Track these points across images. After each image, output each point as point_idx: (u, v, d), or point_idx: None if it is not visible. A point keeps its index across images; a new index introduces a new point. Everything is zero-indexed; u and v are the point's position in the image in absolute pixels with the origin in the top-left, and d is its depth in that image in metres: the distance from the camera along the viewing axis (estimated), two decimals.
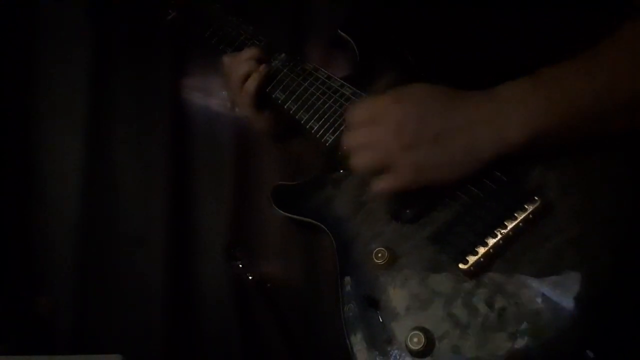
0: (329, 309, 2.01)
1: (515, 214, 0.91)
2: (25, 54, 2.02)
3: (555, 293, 0.86)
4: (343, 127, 1.12)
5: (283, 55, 1.26)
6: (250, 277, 1.81)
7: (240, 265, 1.82)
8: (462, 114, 0.93)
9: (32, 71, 2.03)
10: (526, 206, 0.90)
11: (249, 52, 1.27)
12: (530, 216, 0.90)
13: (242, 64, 1.26)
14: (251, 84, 1.24)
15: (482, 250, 0.91)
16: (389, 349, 0.97)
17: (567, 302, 0.85)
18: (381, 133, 0.95)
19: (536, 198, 0.90)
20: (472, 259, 0.92)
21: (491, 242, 0.91)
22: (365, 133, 0.98)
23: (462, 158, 0.92)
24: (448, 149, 0.92)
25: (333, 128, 1.13)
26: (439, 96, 0.96)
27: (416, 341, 0.92)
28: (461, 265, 0.92)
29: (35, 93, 2.02)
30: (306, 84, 1.20)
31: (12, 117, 1.99)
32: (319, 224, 1.13)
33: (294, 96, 1.20)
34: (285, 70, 1.24)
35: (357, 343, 1.00)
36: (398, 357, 0.95)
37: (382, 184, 0.96)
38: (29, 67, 2.02)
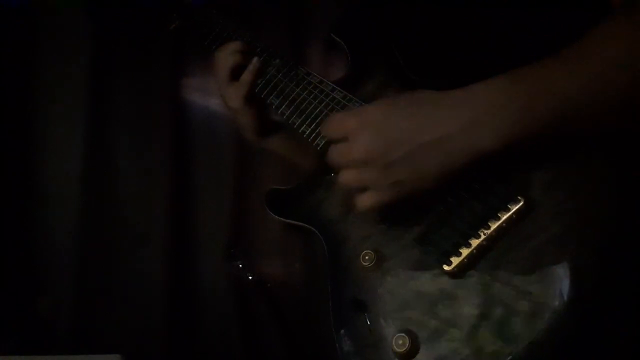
0: (327, 308, 2.01)
1: (499, 214, 0.90)
2: (26, 56, 2.03)
3: (538, 292, 0.86)
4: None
5: (278, 60, 1.27)
6: (250, 277, 1.80)
7: (240, 265, 1.81)
8: (430, 126, 0.91)
9: (33, 72, 2.04)
10: (509, 206, 0.89)
11: (238, 45, 1.28)
12: (514, 216, 0.89)
13: (231, 56, 1.27)
14: (247, 76, 1.26)
15: (465, 251, 0.91)
16: (376, 351, 0.97)
17: (551, 301, 0.85)
18: (355, 157, 0.95)
19: (519, 198, 0.89)
20: (455, 260, 0.91)
21: (474, 242, 0.91)
22: (341, 153, 0.97)
23: (437, 169, 0.91)
24: (421, 163, 0.91)
25: None
26: (403, 111, 0.95)
27: (401, 343, 0.92)
28: (445, 267, 0.92)
29: (36, 94, 2.03)
30: (299, 89, 1.20)
31: (12, 117, 2.00)
32: (311, 227, 1.13)
33: (287, 101, 1.21)
34: (279, 76, 1.25)
35: (346, 345, 1.00)
36: None
37: (364, 202, 0.96)
38: (30, 68, 2.03)
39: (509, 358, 0.86)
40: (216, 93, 2.04)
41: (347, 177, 0.97)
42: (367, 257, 1.00)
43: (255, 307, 1.92)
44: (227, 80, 1.27)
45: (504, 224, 0.90)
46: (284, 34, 1.98)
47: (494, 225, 0.90)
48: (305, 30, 1.99)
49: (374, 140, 0.93)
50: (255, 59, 1.26)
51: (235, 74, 1.27)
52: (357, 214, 1.04)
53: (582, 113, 0.86)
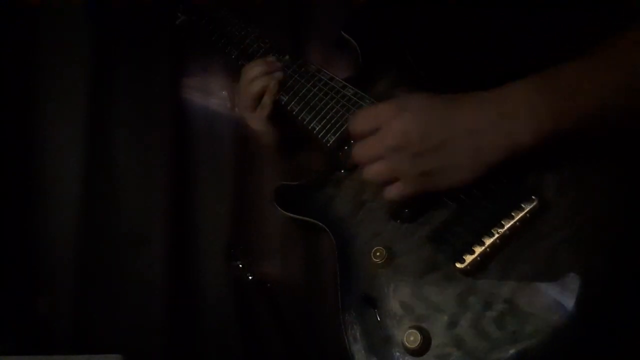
0: (329, 308, 2.01)
1: (512, 213, 0.91)
2: (26, 55, 2.02)
3: (551, 292, 0.87)
4: (344, 127, 1.13)
5: (287, 57, 1.27)
6: (250, 277, 1.80)
7: (240, 266, 1.81)
8: (466, 118, 0.93)
9: (33, 72, 2.03)
10: (523, 205, 0.91)
11: (263, 68, 1.26)
12: (527, 215, 0.90)
13: (258, 81, 1.25)
14: (267, 100, 1.25)
15: (478, 249, 0.92)
16: (386, 347, 0.97)
17: (563, 301, 0.86)
18: (386, 145, 0.96)
19: (533, 197, 0.90)
20: (468, 258, 0.92)
21: (488, 241, 0.91)
22: (371, 146, 0.98)
23: (470, 163, 0.92)
24: (455, 155, 0.92)
25: (334, 129, 1.14)
26: (442, 103, 0.96)
27: (412, 339, 0.93)
28: (458, 265, 0.93)
29: (36, 93, 2.02)
30: (309, 85, 1.21)
31: (12, 117, 1.99)
32: (320, 223, 1.14)
33: (297, 97, 1.21)
34: (289, 72, 1.25)
35: (355, 342, 1.01)
36: (396, 356, 0.95)
37: (393, 192, 0.98)
38: (30, 68, 2.02)
39: (519, 356, 0.87)
40: (216, 93, 2.09)
41: (375, 170, 0.98)
42: (377, 254, 1.01)
43: (255, 307, 1.92)
44: (251, 107, 1.27)
45: (517, 224, 0.91)
46: (287, 31, 1.98)
47: (507, 224, 0.91)
48: (306, 30, 1.99)
49: (411, 125, 0.94)
50: (273, 84, 1.24)
51: (260, 99, 1.26)
52: (385, 211, 1.05)
53: (611, 112, 0.88)
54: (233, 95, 2.05)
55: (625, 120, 0.88)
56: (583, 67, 0.90)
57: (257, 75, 1.25)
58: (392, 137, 0.95)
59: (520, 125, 0.89)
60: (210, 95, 2.10)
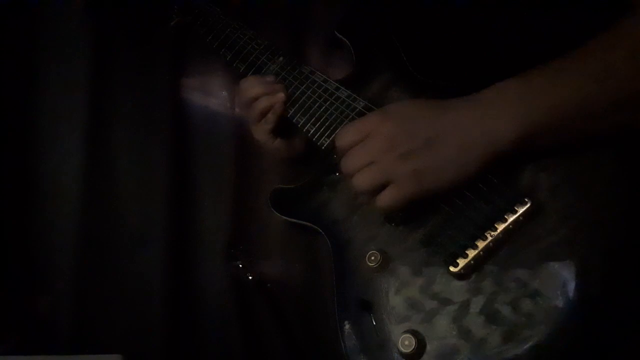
0: (328, 309, 2.01)
1: (505, 216, 0.91)
2: (25, 54, 2.02)
3: (546, 294, 0.86)
4: (338, 130, 1.12)
5: (281, 59, 1.27)
6: (250, 277, 1.80)
7: (240, 266, 1.81)
8: (450, 118, 0.93)
9: (32, 71, 2.03)
10: (516, 208, 0.90)
11: (263, 88, 1.26)
12: (521, 218, 0.90)
13: (261, 100, 1.25)
14: (271, 117, 1.25)
15: (472, 252, 0.92)
16: (381, 351, 0.97)
17: (558, 303, 0.85)
18: (375, 150, 0.96)
19: (526, 200, 0.90)
20: (462, 262, 0.92)
21: (481, 244, 0.91)
22: (359, 154, 0.98)
23: (458, 159, 0.92)
24: (442, 152, 0.92)
25: (329, 131, 1.14)
26: (425, 106, 0.98)
27: (407, 344, 0.93)
28: (451, 268, 0.93)
29: (36, 93, 2.02)
30: (303, 87, 1.20)
31: (12, 117, 1.99)
32: (315, 227, 1.14)
33: (292, 100, 1.21)
34: (283, 74, 1.24)
35: (351, 346, 1.01)
36: None
37: (386, 199, 0.97)
38: (29, 67, 2.02)
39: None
40: (216, 93, 2.08)
41: (366, 175, 0.97)
42: (372, 258, 1.01)
43: (255, 307, 1.92)
44: (256, 120, 1.27)
45: (510, 226, 0.91)
46: (283, 32, 1.97)
47: (500, 227, 0.91)
48: (305, 30, 1.99)
49: (397, 128, 0.95)
50: (278, 106, 1.23)
51: (265, 115, 1.26)
52: (379, 214, 1.04)
53: (590, 114, 0.87)
54: (233, 96, 2.05)
55: (608, 115, 0.88)
56: (562, 65, 0.91)
57: (259, 94, 1.25)
58: (379, 141, 0.96)
59: (501, 123, 0.90)
60: (210, 95, 2.10)
